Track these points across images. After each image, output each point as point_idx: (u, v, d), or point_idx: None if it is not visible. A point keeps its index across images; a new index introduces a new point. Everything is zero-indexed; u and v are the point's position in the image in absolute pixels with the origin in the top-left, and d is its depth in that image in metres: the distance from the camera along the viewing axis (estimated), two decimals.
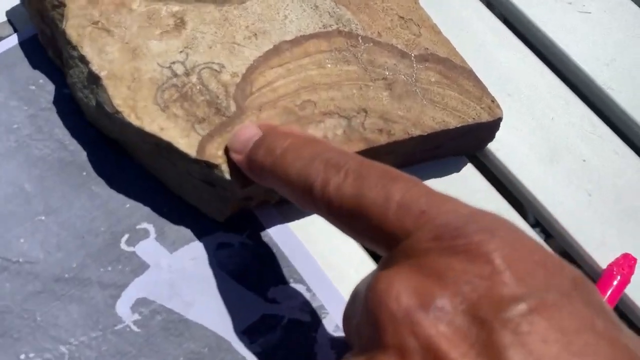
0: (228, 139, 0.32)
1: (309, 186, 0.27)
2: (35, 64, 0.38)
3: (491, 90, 0.37)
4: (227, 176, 0.31)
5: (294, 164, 0.28)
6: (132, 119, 0.31)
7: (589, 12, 0.45)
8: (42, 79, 0.37)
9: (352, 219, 0.26)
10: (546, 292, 0.20)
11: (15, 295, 0.32)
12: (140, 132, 0.32)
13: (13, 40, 0.38)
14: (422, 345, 0.20)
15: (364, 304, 0.23)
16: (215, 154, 0.31)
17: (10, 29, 0.38)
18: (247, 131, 0.31)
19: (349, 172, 0.26)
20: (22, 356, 0.31)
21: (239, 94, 0.33)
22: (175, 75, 0.33)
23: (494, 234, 0.22)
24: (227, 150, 0.32)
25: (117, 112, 0.32)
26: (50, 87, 0.37)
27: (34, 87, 0.37)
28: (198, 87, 0.33)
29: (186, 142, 0.32)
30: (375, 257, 0.35)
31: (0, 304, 0.32)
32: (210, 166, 0.31)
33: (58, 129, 0.36)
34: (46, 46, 0.37)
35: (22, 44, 0.38)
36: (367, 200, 0.25)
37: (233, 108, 0.32)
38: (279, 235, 0.35)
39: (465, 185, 0.38)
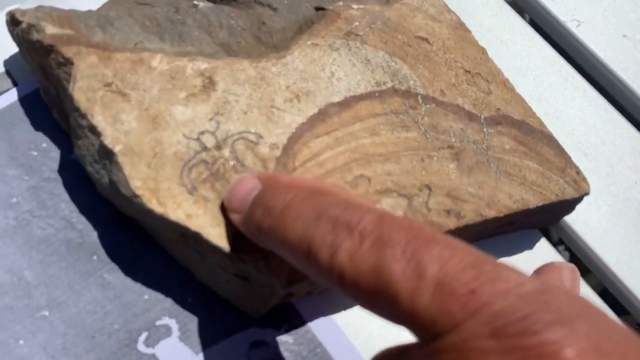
0: (224, 195, 0.26)
1: (314, 253, 0.21)
2: (37, 125, 0.32)
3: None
4: (268, 272, 0.26)
5: (295, 224, 0.22)
6: (154, 205, 0.26)
7: None
8: (45, 143, 0.32)
9: (372, 299, 0.20)
10: None
11: None
12: (163, 220, 0.26)
13: (12, 95, 0.33)
14: None
15: None
16: (254, 247, 0.26)
17: (8, 83, 0.33)
18: (245, 185, 0.25)
19: (364, 234, 0.20)
20: None
21: (280, 170, 0.27)
22: (205, 148, 0.27)
23: (574, 327, 0.16)
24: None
25: (136, 195, 0.26)
26: (54, 153, 0.32)
27: (35, 153, 0.32)
28: (232, 163, 0.27)
29: (218, 233, 0.26)
30: None
31: None
32: (247, 261, 0.26)
33: (64, 204, 0.31)
34: (50, 105, 0.32)
35: (23, 100, 0.33)
36: (393, 276, 0.19)
37: None
38: (322, 330, 0.30)
39: (540, 263, 0.33)
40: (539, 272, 0.26)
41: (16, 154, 0.32)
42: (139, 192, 0.26)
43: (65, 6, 0.31)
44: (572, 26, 0.40)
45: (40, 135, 0.32)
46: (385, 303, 0.19)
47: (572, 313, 0.17)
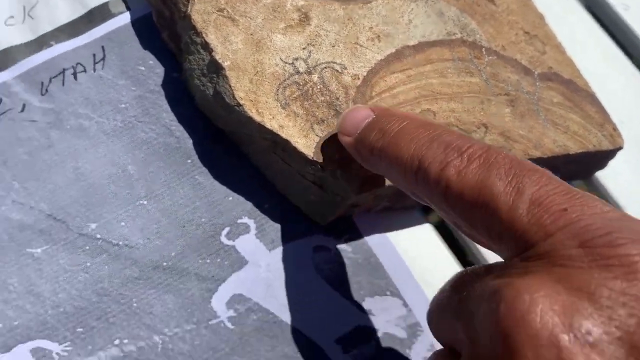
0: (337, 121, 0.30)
1: (424, 168, 0.24)
2: (146, 45, 0.37)
3: None
4: (343, 180, 0.30)
5: (409, 145, 0.25)
6: (253, 114, 0.31)
7: None
8: (152, 60, 0.37)
9: (473, 209, 0.22)
10: None
11: (114, 279, 0.32)
12: (259, 128, 0.31)
13: (125, 18, 0.37)
14: None
15: (492, 315, 0.20)
16: (333, 157, 0.30)
17: (123, 6, 0.38)
18: (359, 113, 0.29)
19: (472, 157, 0.23)
20: (117, 341, 0.31)
21: (359, 97, 0.32)
22: (298, 72, 0.32)
23: None
24: (326, 145, 0.30)
25: (239, 104, 0.31)
26: (159, 70, 0.36)
27: (143, 68, 0.37)
28: (319, 87, 0.32)
29: (304, 143, 0.31)
30: None
31: (99, 287, 0.32)
32: (326, 170, 0.31)
33: (165, 114, 0.36)
34: (161, 27, 0.36)
35: (134, 22, 0.38)
36: (495, 190, 0.22)
37: None
38: (377, 245, 0.34)
39: None
40: None
41: (126, 68, 0.36)
42: (242, 102, 0.31)
43: None
44: (620, 9, 0.44)
45: (147, 54, 0.37)
46: (485, 214, 0.22)
47: None
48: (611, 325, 0.18)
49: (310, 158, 0.31)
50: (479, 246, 0.35)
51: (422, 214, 0.36)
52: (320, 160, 0.30)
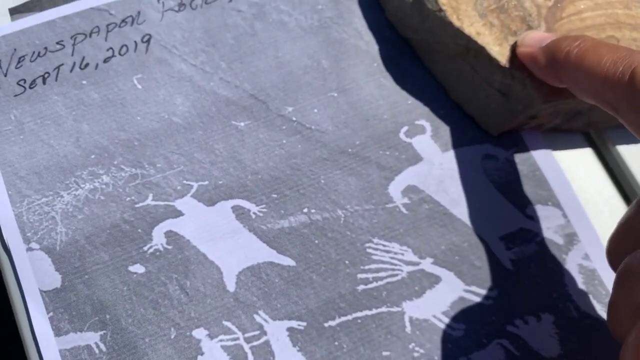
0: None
1: (628, 72, 0.27)
2: None
3: None
4: (531, 88, 0.33)
5: (611, 54, 0.28)
6: (454, 20, 0.34)
7: None
8: None
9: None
10: None
11: (305, 157, 0.36)
12: (457, 33, 0.34)
13: None
14: None
15: None
16: (524, 68, 0.33)
17: None
18: (541, 33, 0.33)
19: None
20: (305, 210, 0.35)
21: (550, 17, 0.34)
22: None
23: None
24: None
25: (441, 10, 0.34)
26: None
27: None
28: (513, 3, 0.34)
29: (498, 50, 0.33)
30: (627, 199, 0.37)
31: (292, 162, 0.36)
32: (516, 77, 0.33)
33: (357, 19, 0.39)
34: None
35: None
36: None
37: (543, 28, 0.34)
38: (542, 159, 0.37)
39: None
40: None
41: None
42: (444, 7, 0.34)
43: None
44: None
45: None
46: None
47: None
48: None
49: (503, 64, 0.33)
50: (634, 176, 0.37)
51: (585, 138, 0.38)
52: (513, 67, 0.33)
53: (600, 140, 0.38)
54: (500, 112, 0.35)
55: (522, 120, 0.36)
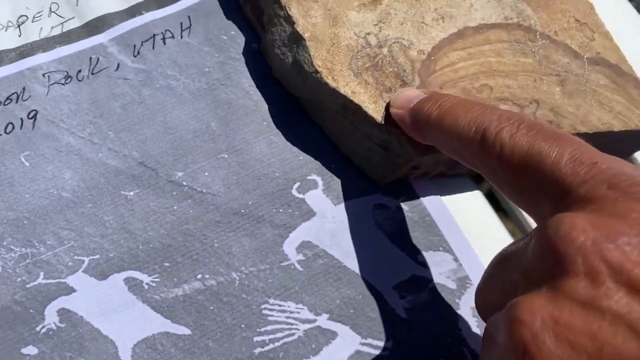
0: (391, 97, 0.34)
1: (480, 132, 0.28)
2: (228, 16, 0.41)
3: None
4: (407, 143, 0.34)
5: (466, 114, 0.29)
6: (330, 80, 0.34)
7: None
8: (233, 31, 0.41)
9: (522, 167, 0.27)
10: None
11: (197, 221, 0.36)
12: (333, 93, 0.35)
13: None
14: (614, 269, 0.21)
15: (541, 244, 0.24)
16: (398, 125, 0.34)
17: None
18: (411, 92, 0.34)
19: (521, 125, 0.27)
20: (199, 275, 0.35)
21: (424, 70, 0.36)
22: (369, 45, 0.35)
23: None
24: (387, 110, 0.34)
25: (317, 71, 0.35)
26: (240, 40, 0.40)
27: (225, 37, 0.41)
28: (388, 59, 0.35)
29: (374, 108, 0.34)
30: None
31: (184, 227, 0.36)
32: (393, 133, 0.34)
33: (245, 80, 0.40)
34: (243, 3, 0.40)
35: None
36: (541, 149, 0.26)
37: (417, 82, 0.35)
38: (431, 205, 0.38)
39: None
40: None
41: (210, 36, 0.40)
42: (319, 69, 0.35)
43: None
44: None
45: (230, 24, 0.41)
46: (532, 170, 0.26)
47: None
48: None
49: (379, 122, 0.34)
50: (523, 213, 0.39)
51: (473, 181, 0.39)
52: (388, 124, 0.34)
53: None
54: (383, 164, 0.36)
55: (406, 171, 0.37)
